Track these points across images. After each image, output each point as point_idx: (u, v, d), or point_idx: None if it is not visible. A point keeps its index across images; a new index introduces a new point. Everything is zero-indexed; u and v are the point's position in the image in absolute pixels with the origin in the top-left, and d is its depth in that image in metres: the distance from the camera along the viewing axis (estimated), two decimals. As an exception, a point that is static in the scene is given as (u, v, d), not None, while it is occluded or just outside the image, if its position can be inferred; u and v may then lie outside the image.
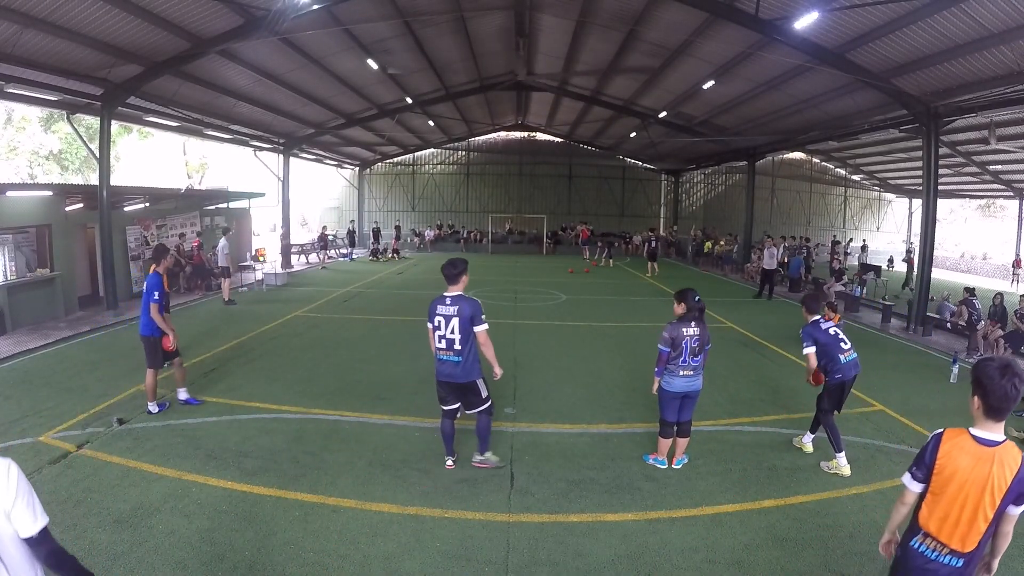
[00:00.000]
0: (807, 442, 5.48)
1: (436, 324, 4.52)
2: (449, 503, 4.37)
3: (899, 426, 6.24)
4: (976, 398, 2.23)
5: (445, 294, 4.56)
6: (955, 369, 8.18)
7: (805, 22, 9.44)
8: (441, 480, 4.73)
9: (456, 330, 4.44)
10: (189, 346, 8.80)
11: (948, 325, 11.67)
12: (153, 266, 6.10)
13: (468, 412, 4.76)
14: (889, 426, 6.23)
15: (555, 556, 3.76)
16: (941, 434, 2.31)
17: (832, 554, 3.82)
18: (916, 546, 2.32)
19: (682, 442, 5.05)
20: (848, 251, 24.83)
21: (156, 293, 5.89)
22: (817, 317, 5.22)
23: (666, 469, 5.02)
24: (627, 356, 8.91)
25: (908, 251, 22.42)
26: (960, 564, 2.24)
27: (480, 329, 4.47)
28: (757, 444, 5.64)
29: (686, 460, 5.15)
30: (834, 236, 28.08)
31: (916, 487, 2.35)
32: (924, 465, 2.31)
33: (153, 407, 6.06)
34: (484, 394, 4.69)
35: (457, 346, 4.47)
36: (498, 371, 4.70)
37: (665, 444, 5.00)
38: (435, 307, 4.54)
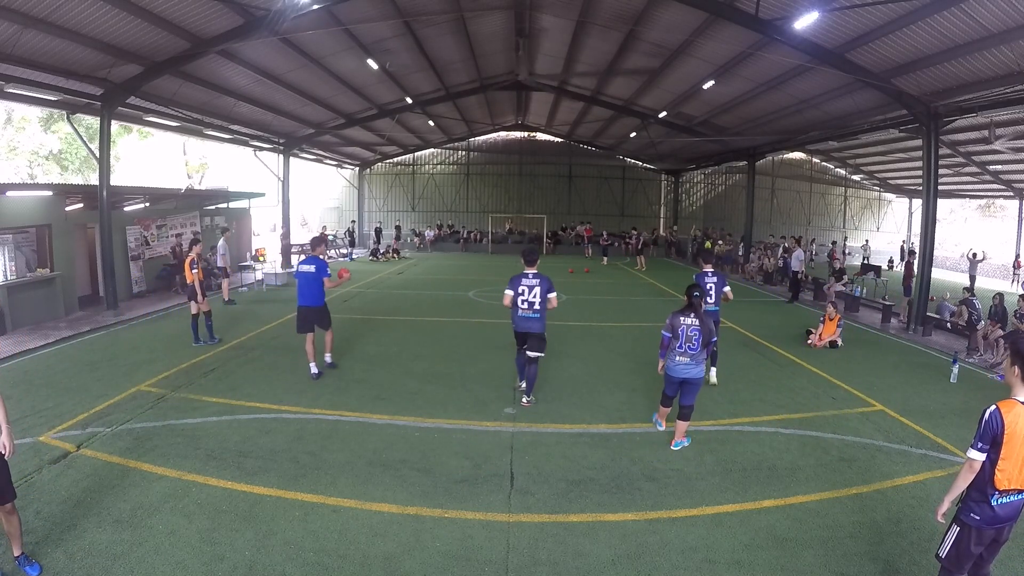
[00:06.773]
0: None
1: (520, 291, 6.29)
2: (449, 503, 4.37)
3: (899, 426, 6.24)
4: (1016, 368, 2.76)
5: (527, 271, 6.35)
6: (955, 369, 8.16)
7: (805, 22, 9.44)
8: (441, 480, 4.73)
9: (538, 295, 6.28)
10: (188, 345, 8.85)
11: (948, 325, 11.67)
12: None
13: (530, 355, 6.32)
14: (889, 426, 6.23)
15: (555, 556, 3.76)
16: (997, 408, 2.75)
17: (832, 554, 3.83)
18: (998, 502, 2.76)
19: (681, 424, 5.41)
20: (848, 251, 24.81)
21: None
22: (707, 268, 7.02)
23: (666, 469, 5.02)
24: (627, 356, 8.89)
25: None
26: None
27: (553, 295, 6.36)
28: (757, 444, 5.65)
29: (687, 443, 5.46)
30: (845, 237, 28.73)
31: (982, 456, 2.77)
32: (990, 437, 2.73)
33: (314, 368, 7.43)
34: (545, 342, 6.44)
35: (537, 307, 6.30)
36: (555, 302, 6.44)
37: (664, 410, 5.76)
38: (520, 280, 6.32)
